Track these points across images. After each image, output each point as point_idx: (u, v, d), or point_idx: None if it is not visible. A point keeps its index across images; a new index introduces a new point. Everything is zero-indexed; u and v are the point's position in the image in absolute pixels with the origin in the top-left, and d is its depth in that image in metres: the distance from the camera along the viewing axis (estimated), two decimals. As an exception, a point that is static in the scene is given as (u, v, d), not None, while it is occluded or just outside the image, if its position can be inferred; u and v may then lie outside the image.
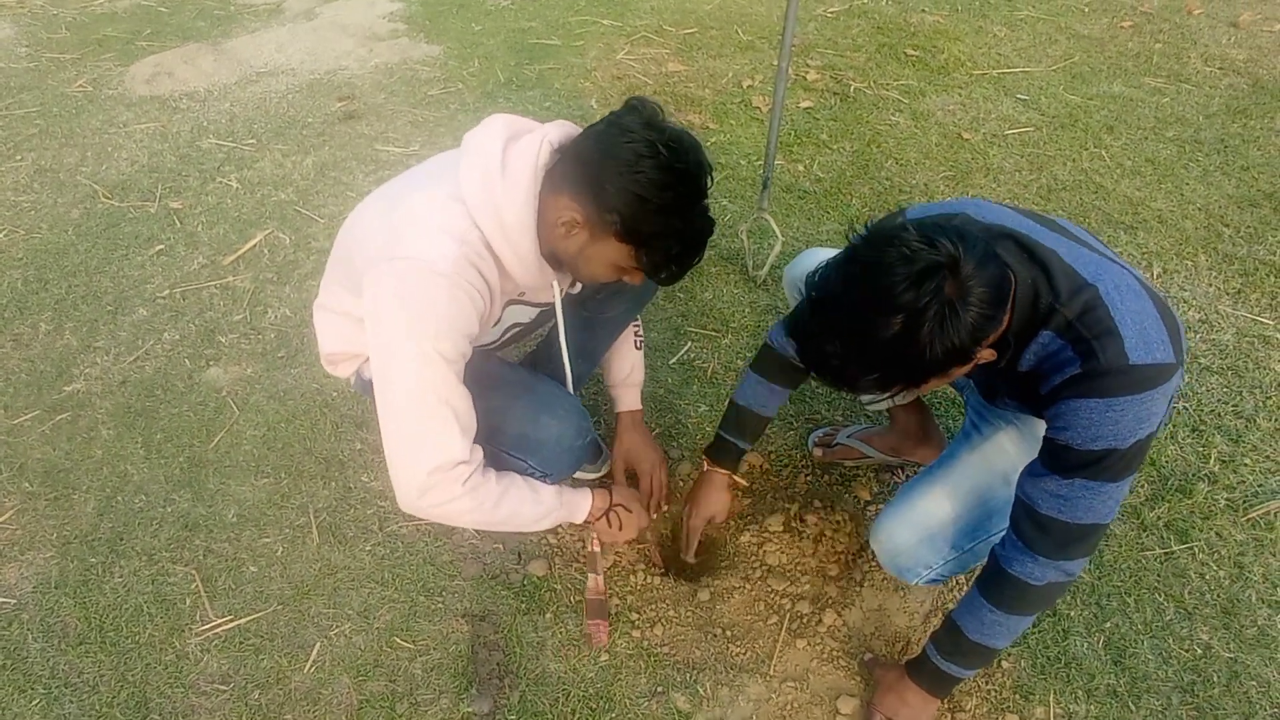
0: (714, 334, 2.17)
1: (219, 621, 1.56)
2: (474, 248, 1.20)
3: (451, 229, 1.19)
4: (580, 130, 1.23)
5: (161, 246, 2.45)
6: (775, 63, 1.99)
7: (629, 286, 1.60)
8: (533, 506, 1.35)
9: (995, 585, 1.16)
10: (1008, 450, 1.36)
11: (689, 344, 2.14)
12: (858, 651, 1.52)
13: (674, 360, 2.09)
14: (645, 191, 1.12)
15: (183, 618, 1.57)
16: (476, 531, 1.70)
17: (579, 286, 1.53)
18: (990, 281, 0.97)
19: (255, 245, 2.45)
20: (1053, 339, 1.06)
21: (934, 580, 1.43)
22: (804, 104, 3.06)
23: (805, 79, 3.21)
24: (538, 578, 1.63)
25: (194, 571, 1.64)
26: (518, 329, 1.51)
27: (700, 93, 3.13)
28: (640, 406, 1.74)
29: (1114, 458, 1.04)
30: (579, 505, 1.46)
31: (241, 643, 1.53)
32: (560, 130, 1.23)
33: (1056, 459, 1.08)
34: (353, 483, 1.80)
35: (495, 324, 1.40)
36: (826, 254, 1.57)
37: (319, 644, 1.53)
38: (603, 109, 3.03)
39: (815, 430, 1.89)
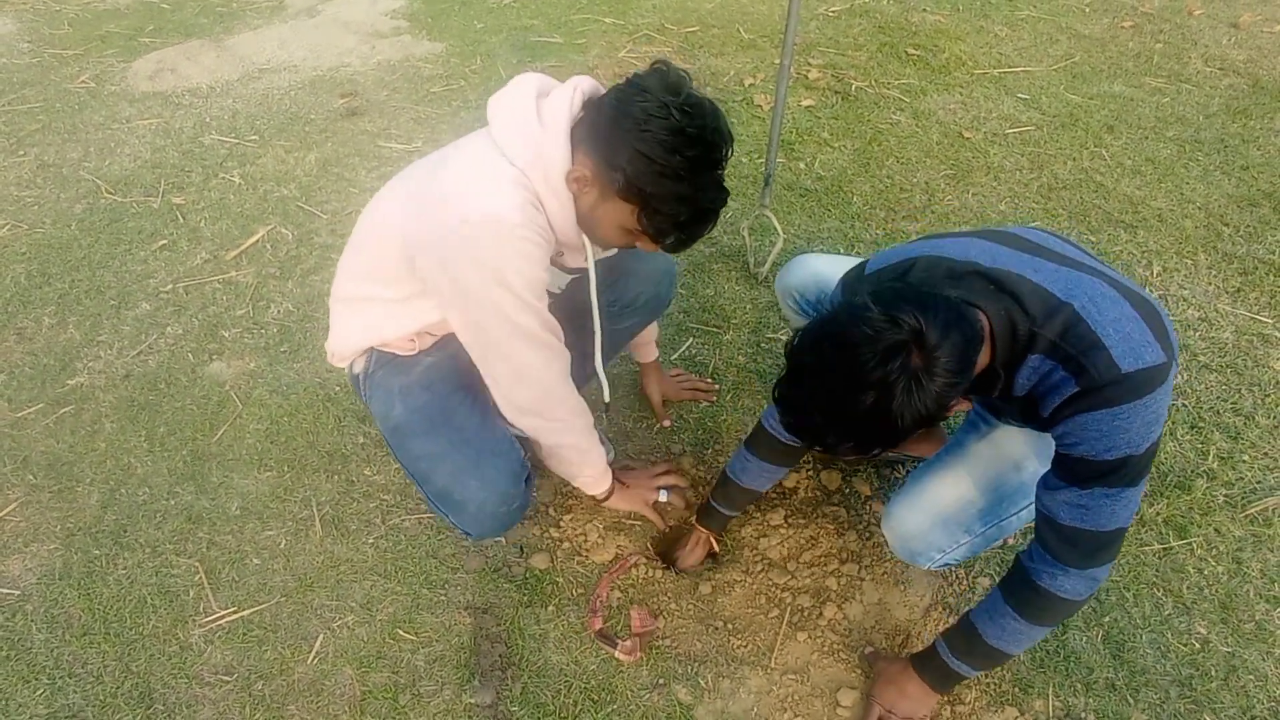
0: (715, 330, 2.17)
1: (222, 613, 1.57)
2: (531, 192, 1.20)
3: (507, 179, 1.19)
4: (603, 88, 1.23)
5: (164, 241, 2.46)
6: (777, 61, 2.00)
7: (642, 301, 1.62)
8: (574, 463, 1.49)
9: (1024, 596, 1.17)
10: (1017, 438, 1.37)
11: (690, 340, 2.14)
12: (858, 645, 1.53)
13: (676, 356, 2.10)
14: (651, 151, 1.11)
15: (186, 609, 1.58)
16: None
17: (612, 250, 1.53)
18: (955, 345, 0.98)
19: (258, 241, 2.46)
20: (1042, 361, 1.08)
21: (947, 564, 1.45)
22: (805, 102, 3.07)
23: (807, 78, 3.22)
24: (540, 570, 1.63)
25: (197, 564, 1.65)
26: (547, 299, 1.50)
27: (702, 91, 3.13)
28: (658, 354, 1.89)
29: (1130, 464, 1.05)
30: (603, 478, 1.56)
31: (245, 634, 1.54)
32: (590, 84, 1.23)
33: (1072, 471, 1.09)
34: (355, 476, 1.81)
35: None
36: (817, 261, 1.58)
37: (322, 635, 1.53)
38: (605, 106, 3.03)
39: None
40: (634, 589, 1.61)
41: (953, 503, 1.39)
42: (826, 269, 1.54)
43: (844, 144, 2.85)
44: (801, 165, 2.76)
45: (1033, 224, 2.50)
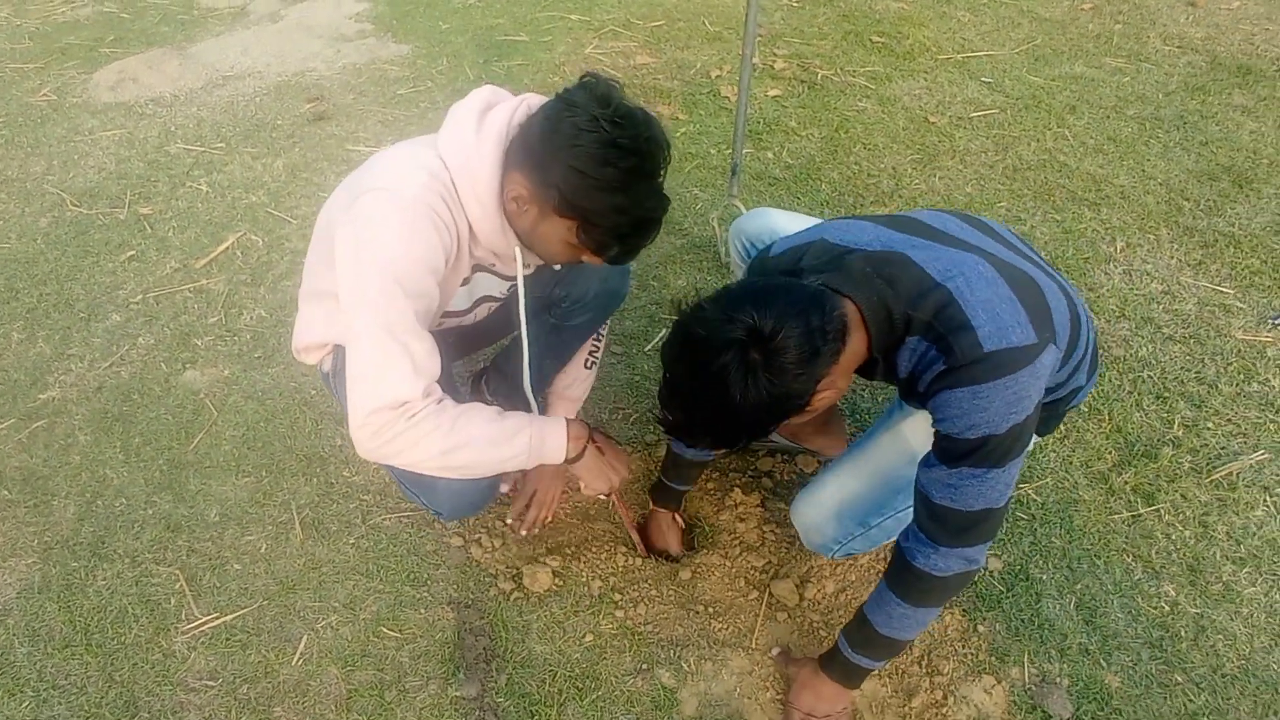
0: (690, 320, 2.19)
1: (205, 619, 1.56)
2: (444, 184, 1.20)
3: (418, 163, 1.20)
4: None
5: (132, 252, 2.44)
6: (742, 52, 2.02)
7: (591, 295, 1.62)
8: (493, 449, 1.25)
9: (901, 579, 1.19)
10: (916, 431, 1.39)
11: (664, 331, 2.16)
12: (838, 622, 1.55)
13: (649, 347, 2.12)
14: (584, 166, 1.10)
15: (168, 617, 1.57)
16: (458, 520, 1.71)
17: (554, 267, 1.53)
18: (797, 336, 1.01)
19: (228, 248, 2.44)
20: (919, 342, 1.11)
21: (847, 554, 1.47)
22: (772, 92, 3.09)
23: (773, 68, 3.24)
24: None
25: (178, 571, 1.64)
26: (490, 303, 1.51)
27: (669, 84, 3.15)
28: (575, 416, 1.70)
29: (992, 444, 1.07)
30: (552, 444, 1.32)
31: (228, 639, 1.53)
32: (539, 100, 1.23)
33: (942, 450, 1.13)
34: (334, 478, 1.81)
35: (464, 284, 1.39)
36: (775, 215, 1.60)
37: (306, 637, 1.53)
38: (574, 103, 3.04)
39: None
40: (614, 577, 1.62)
41: (847, 497, 1.42)
42: (783, 222, 1.57)
43: (811, 132, 2.88)
44: (770, 155, 2.78)
45: (998, 205, 2.55)
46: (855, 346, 1.10)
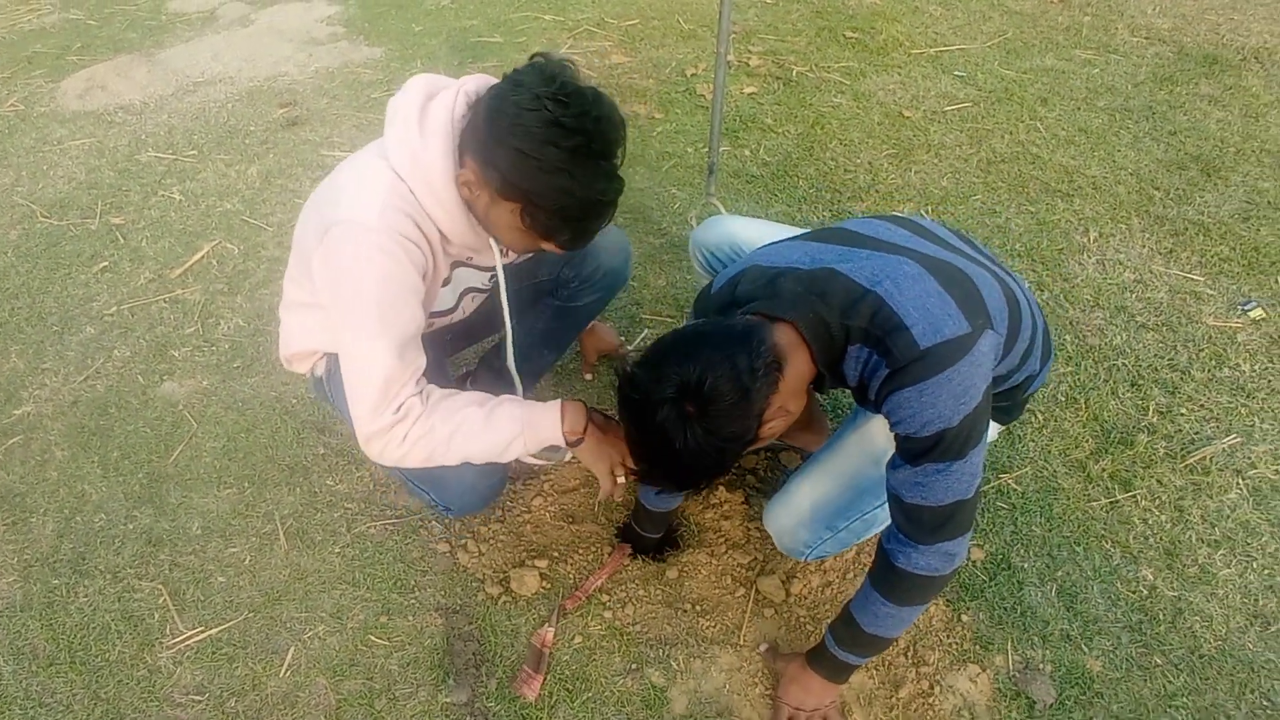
0: (670, 320, 2.20)
1: (189, 633, 1.55)
2: (402, 198, 1.19)
3: (376, 184, 1.19)
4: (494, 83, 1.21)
5: (105, 263, 2.40)
6: (716, 50, 2.03)
7: (599, 276, 1.63)
8: (485, 442, 1.28)
9: (885, 579, 1.20)
10: (878, 434, 1.40)
11: (646, 330, 2.17)
12: (824, 616, 1.57)
13: (631, 348, 2.12)
14: (524, 146, 1.07)
15: (152, 632, 1.56)
16: (443, 525, 1.71)
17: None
18: (728, 379, 1.04)
19: (203, 257, 2.42)
20: (860, 349, 1.13)
21: (819, 556, 1.49)
22: (748, 90, 3.10)
23: (748, 65, 3.25)
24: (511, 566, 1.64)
25: (160, 586, 1.63)
26: (475, 293, 1.50)
27: (645, 83, 3.16)
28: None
29: (949, 437, 1.09)
30: (546, 425, 1.32)
31: (214, 652, 1.52)
32: (476, 83, 1.20)
33: (903, 450, 1.15)
34: (318, 487, 1.80)
35: (446, 284, 1.38)
36: (734, 223, 1.63)
37: (293, 648, 1.53)
38: (550, 103, 3.03)
39: None
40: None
41: (815, 501, 1.44)
42: (740, 230, 1.59)
43: (787, 129, 2.90)
44: (747, 152, 2.79)
45: (973, 199, 2.57)
46: (800, 367, 1.13)
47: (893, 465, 1.17)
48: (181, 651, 1.53)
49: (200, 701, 1.46)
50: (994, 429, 1.46)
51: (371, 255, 1.17)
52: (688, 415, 1.04)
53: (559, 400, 1.36)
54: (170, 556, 1.68)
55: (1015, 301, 1.24)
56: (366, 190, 1.19)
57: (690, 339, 1.09)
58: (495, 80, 1.18)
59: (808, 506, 1.44)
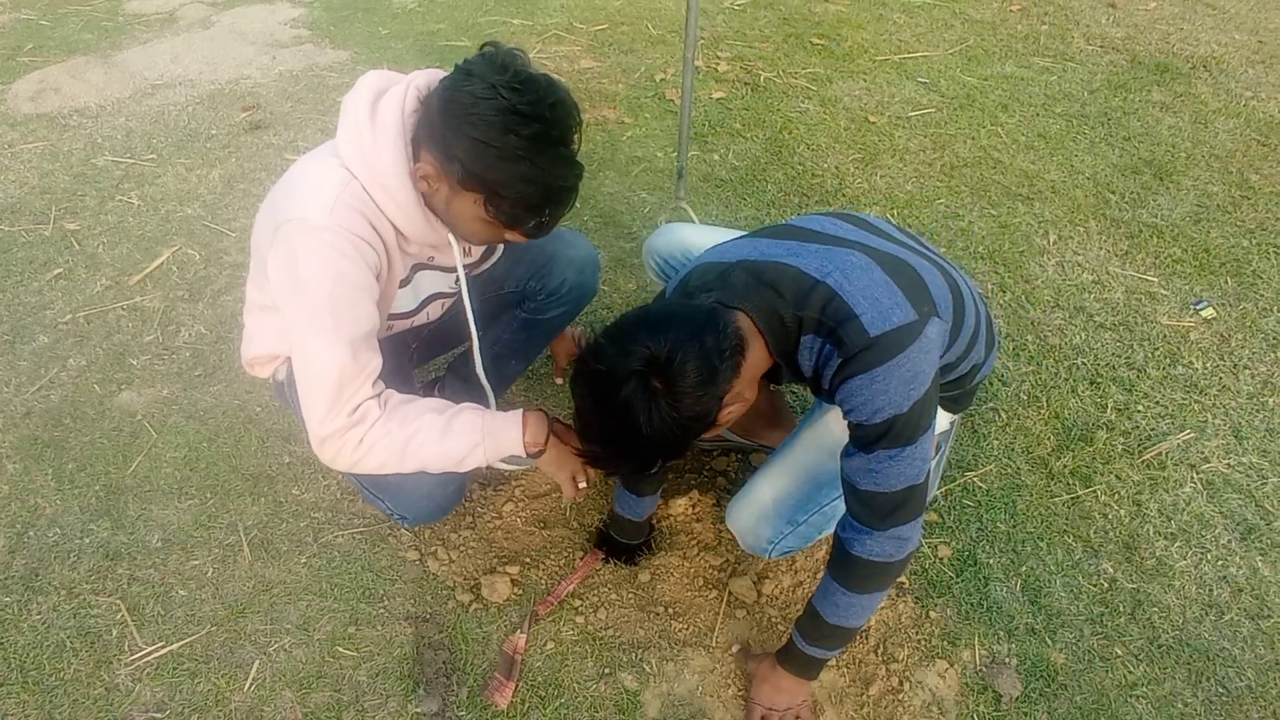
0: (641, 323, 2.20)
1: (149, 649, 1.51)
2: (355, 196, 1.18)
3: (327, 181, 1.17)
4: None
5: (60, 270, 2.34)
6: (684, 55, 2.04)
7: (566, 289, 1.62)
8: (443, 450, 1.27)
9: (842, 567, 1.22)
10: (833, 427, 1.42)
11: (617, 334, 2.16)
12: (796, 615, 1.57)
13: (604, 351, 2.12)
14: (484, 135, 1.06)
15: (110, 649, 1.51)
16: (413, 533, 1.69)
17: (495, 255, 1.52)
18: (695, 357, 1.05)
19: (163, 263, 2.36)
20: (813, 339, 1.16)
21: (783, 552, 1.50)
22: (716, 95, 3.13)
23: (716, 70, 3.28)
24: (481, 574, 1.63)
25: (118, 601, 1.58)
26: (441, 299, 1.48)
27: (614, 88, 3.16)
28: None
29: (900, 423, 1.12)
30: (507, 436, 1.32)
31: (175, 668, 1.48)
32: (426, 77, 1.19)
33: (856, 438, 1.17)
34: (283, 497, 1.76)
35: (405, 285, 1.36)
36: (686, 230, 1.65)
37: (258, 661, 1.49)
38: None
39: None
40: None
41: (775, 497, 1.45)
42: (693, 237, 1.61)
43: (755, 134, 2.92)
44: (716, 156, 2.81)
45: (936, 202, 2.62)
46: (755, 356, 1.15)
47: (846, 454, 1.19)
48: (141, 668, 1.49)
49: (161, 719, 1.42)
50: (945, 418, 1.49)
51: (322, 252, 1.15)
52: (654, 390, 1.04)
53: (520, 409, 1.35)
54: (129, 570, 1.63)
55: (958, 291, 1.28)
56: (317, 188, 1.17)
57: (658, 316, 1.09)
58: (445, 73, 1.17)
59: (768, 502, 1.45)
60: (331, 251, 1.16)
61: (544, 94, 1.09)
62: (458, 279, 1.40)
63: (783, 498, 1.44)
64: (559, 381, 2.01)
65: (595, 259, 1.69)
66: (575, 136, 1.14)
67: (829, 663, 1.42)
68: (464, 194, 1.14)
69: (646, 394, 1.04)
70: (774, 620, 1.58)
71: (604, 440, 1.13)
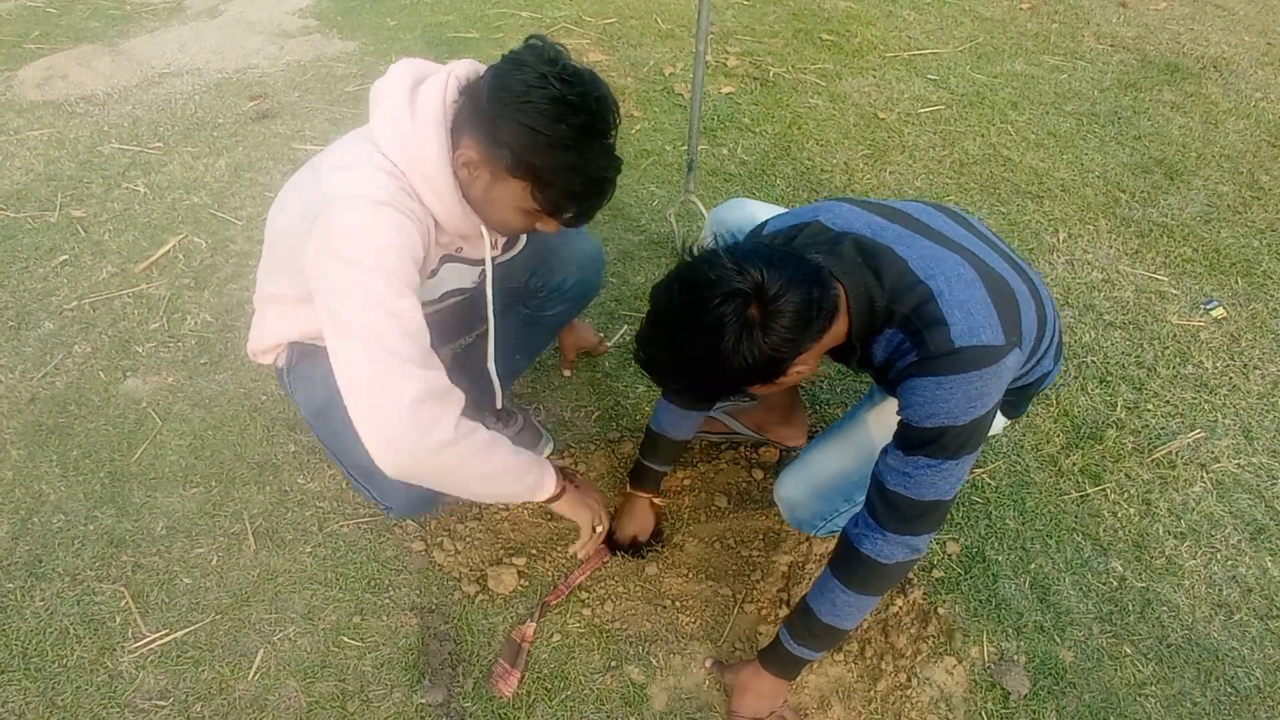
0: (649, 316, 2.19)
1: (153, 637, 1.50)
2: (401, 182, 1.17)
3: (369, 166, 1.16)
4: (484, 68, 1.20)
5: (65, 257, 2.33)
6: (695, 50, 2.03)
7: (569, 286, 1.61)
8: (513, 470, 1.28)
9: (847, 565, 1.21)
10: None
11: (624, 327, 2.15)
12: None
13: (610, 344, 2.11)
14: (535, 123, 1.08)
15: (113, 636, 1.50)
16: (419, 523, 1.68)
17: (518, 246, 1.51)
18: (797, 305, 1.03)
19: (169, 251, 2.35)
20: (895, 334, 1.14)
21: (831, 532, 1.49)
22: (725, 89, 3.11)
23: (725, 65, 3.26)
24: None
25: (123, 588, 1.57)
26: (458, 295, 1.47)
27: (623, 81, 3.15)
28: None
29: (950, 435, 1.10)
30: (546, 480, 1.37)
31: (179, 656, 1.48)
32: (467, 67, 1.19)
33: (902, 437, 1.15)
34: (288, 486, 1.75)
35: (432, 276, 1.36)
36: (755, 206, 1.61)
37: (262, 650, 1.48)
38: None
39: None
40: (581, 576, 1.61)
41: (833, 474, 1.44)
42: (762, 213, 1.57)
43: (765, 128, 2.91)
44: (725, 151, 2.80)
45: (946, 199, 2.61)
46: (836, 329, 1.13)
47: (886, 450, 1.18)
48: (144, 655, 1.48)
49: (164, 706, 1.41)
50: (1000, 422, 1.48)
51: (381, 218, 1.13)
52: (750, 318, 1.02)
53: (554, 468, 1.40)
54: (133, 558, 1.63)
55: (1044, 314, 1.27)
56: (364, 172, 1.16)
57: (775, 253, 1.08)
58: (482, 66, 1.17)
59: (825, 477, 1.43)
60: (388, 218, 1.14)
61: (590, 87, 1.11)
62: (481, 274, 1.41)
63: (841, 474, 1.42)
64: (566, 374, 2.00)
65: (599, 255, 1.68)
66: (615, 131, 1.16)
67: (817, 663, 1.41)
68: (508, 180, 1.14)
69: (741, 318, 1.02)
70: (782, 616, 1.56)
71: (675, 349, 1.09)
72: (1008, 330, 1.12)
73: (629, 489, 1.65)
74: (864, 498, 1.41)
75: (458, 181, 1.19)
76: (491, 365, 1.46)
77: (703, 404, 1.51)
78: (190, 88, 3.10)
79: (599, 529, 1.50)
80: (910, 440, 1.13)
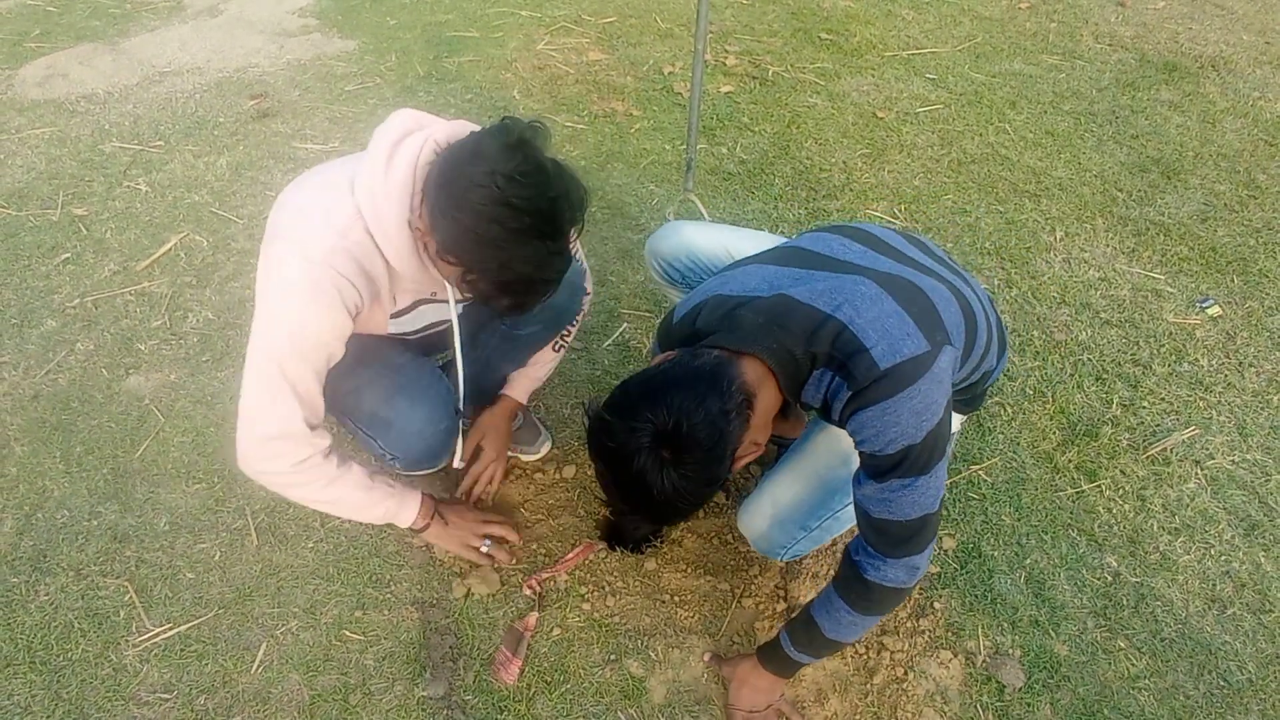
0: (647, 314, 2.20)
1: (157, 631, 1.52)
2: (356, 240, 1.20)
3: (336, 217, 1.20)
4: (475, 129, 1.21)
5: (68, 255, 2.34)
6: (694, 48, 2.04)
7: (543, 309, 1.57)
8: (354, 512, 1.43)
9: (852, 590, 1.21)
10: (846, 434, 1.42)
11: (624, 325, 2.17)
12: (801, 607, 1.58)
13: (609, 343, 2.12)
14: (468, 221, 1.08)
15: (118, 630, 1.52)
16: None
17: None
18: (703, 425, 1.06)
19: (171, 249, 2.36)
20: (824, 373, 1.15)
21: (795, 555, 1.50)
22: (724, 89, 3.12)
23: (725, 64, 3.27)
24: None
25: (126, 583, 1.59)
26: (439, 325, 1.48)
27: (622, 80, 3.16)
28: (522, 401, 1.73)
29: (914, 453, 1.11)
30: (407, 509, 1.47)
31: (183, 650, 1.49)
32: (449, 131, 1.19)
33: (869, 468, 1.16)
34: (290, 482, 1.77)
35: (404, 314, 1.38)
36: (689, 229, 1.60)
37: (265, 644, 1.50)
38: (525, 100, 3.03)
39: None
40: (580, 570, 1.63)
41: (787, 503, 1.45)
42: (696, 237, 1.57)
43: (764, 127, 2.92)
44: (724, 150, 2.81)
45: (944, 198, 2.61)
46: (768, 400, 1.14)
47: (858, 481, 1.18)
48: (149, 649, 1.49)
49: (168, 700, 1.43)
50: (957, 420, 1.48)
51: (307, 287, 1.19)
52: (664, 461, 1.06)
53: (420, 494, 1.50)
54: (137, 553, 1.64)
55: (970, 310, 1.26)
56: (318, 219, 1.20)
57: (660, 383, 1.10)
58: (472, 127, 1.19)
59: (780, 507, 1.45)
60: (316, 287, 1.19)
61: (545, 188, 1.09)
62: (463, 306, 1.44)
63: (795, 503, 1.44)
64: (458, 465, 1.75)
65: (581, 282, 1.63)
66: (571, 230, 1.15)
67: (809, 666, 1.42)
68: (443, 262, 1.16)
69: (658, 465, 1.06)
70: (781, 612, 1.58)
71: (627, 504, 1.17)
72: (929, 332, 1.12)
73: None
74: (818, 523, 1.43)
75: (418, 242, 1.21)
76: (461, 404, 1.50)
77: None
78: (191, 86, 3.12)
79: (483, 548, 1.59)
80: (878, 468, 1.14)
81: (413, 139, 1.18)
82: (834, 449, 1.43)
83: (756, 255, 1.33)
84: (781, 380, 1.15)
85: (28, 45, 3.37)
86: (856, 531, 1.22)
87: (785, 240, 1.39)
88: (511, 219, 1.07)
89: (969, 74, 3.28)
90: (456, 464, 1.58)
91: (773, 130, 2.91)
